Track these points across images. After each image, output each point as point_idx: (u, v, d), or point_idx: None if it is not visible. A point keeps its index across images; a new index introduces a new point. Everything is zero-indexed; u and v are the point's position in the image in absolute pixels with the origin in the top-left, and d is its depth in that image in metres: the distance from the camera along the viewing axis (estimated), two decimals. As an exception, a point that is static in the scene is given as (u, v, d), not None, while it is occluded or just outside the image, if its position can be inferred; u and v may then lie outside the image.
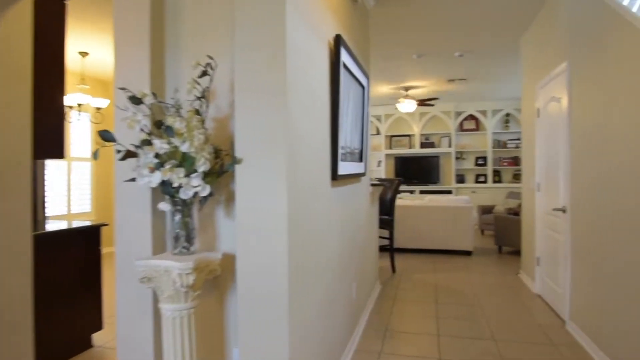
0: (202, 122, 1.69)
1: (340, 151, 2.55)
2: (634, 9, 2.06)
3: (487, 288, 4.66)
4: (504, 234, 6.60)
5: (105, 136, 1.69)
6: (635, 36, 2.35)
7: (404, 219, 6.74)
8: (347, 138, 2.85)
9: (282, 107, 1.70)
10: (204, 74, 1.70)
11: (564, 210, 3.57)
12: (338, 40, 2.45)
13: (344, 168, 2.71)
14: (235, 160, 1.73)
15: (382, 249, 5.56)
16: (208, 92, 1.74)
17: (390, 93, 8.47)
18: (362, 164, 3.47)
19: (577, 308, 3.31)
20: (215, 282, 1.90)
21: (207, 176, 1.66)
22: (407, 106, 8.06)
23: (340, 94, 2.48)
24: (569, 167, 3.46)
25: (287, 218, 1.70)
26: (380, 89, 8.11)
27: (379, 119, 10.47)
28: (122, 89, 1.67)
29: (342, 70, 2.50)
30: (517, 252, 6.56)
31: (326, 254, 2.39)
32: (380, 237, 5.54)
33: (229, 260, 1.84)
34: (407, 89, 8.06)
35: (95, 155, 1.93)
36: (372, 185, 4.40)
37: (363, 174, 3.52)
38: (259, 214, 1.71)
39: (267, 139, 1.71)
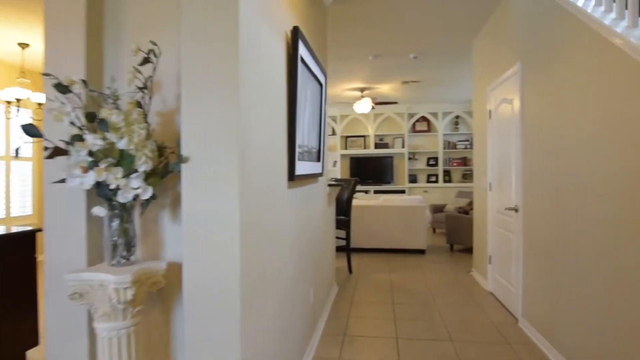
0: (144, 115, 1.51)
1: (297, 150, 2.42)
2: (589, 9, 2.09)
3: (441, 287, 4.71)
4: (455, 232, 6.75)
5: (29, 131, 1.46)
6: (587, 36, 2.40)
7: (360, 219, 6.72)
8: (305, 136, 2.73)
9: (234, 101, 1.55)
10: (146, 61, 1.52)
11: (516, 210, 3.65)
12: (296, 33, 2.32)
13: (302, 168, 2.59)
14: (182, 159, 1.56)
15: (339, 249, 5.49)
16: (151, 82, 1.56)
17: (346, 94, 8.45)
18: (320, 163, 3.37)
19: (529, 306, 3.38)
20: (160, 295, 1.71)
21: (149, 177, 1.47)
22: (363, 107, 8.06)
23: (297, 89, 2.36)
24: (521, 168, 3.54)
25: (240, 223, 1.55)
26: (337, 89, 8.06)
27: (334, 119, 10.44)
28: (47, 75, 1.45)
29: (299, 64, 2.37)
30: (468, 250, 6.73)
31: (282, 259, 2.25)
32: (337, 237, 5.48)
33: (175, 270, 1.66)
34: (362, 90, 8.07)
35: (16, 152, 1.69)
36: (329, 185, 4.31)
37: (320, 174, 3.41)
38: (208, 218, 1.55)
39: (218, 135, 1.55)
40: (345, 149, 10.44)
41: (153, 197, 1.47)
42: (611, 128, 2.19)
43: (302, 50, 2.42)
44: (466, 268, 5.59)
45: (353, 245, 6.70)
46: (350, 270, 5.43)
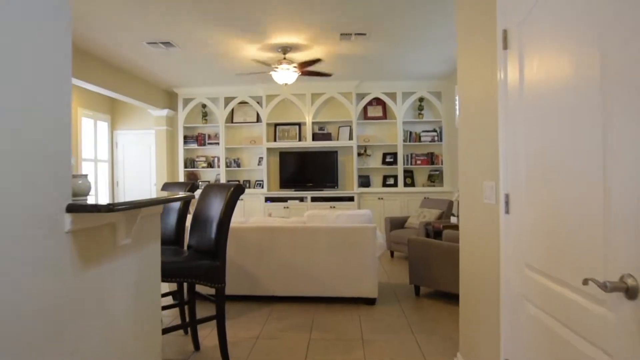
0: None
1: None
2: None
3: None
4: (423, 267, 4.25)
5: None
6: None
7: (270, 249, 4.11)
8: None
9: None
10: None
11: (627, 289, 1.11)
12: None
13: None
14: None
15: (204, 316, 2.87)
16: None
17: (264, 56, 5.80)
18: None
19: None
20: None
21: None
22: (285, 75, 5.46)
23: None
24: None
25: None
26: (244, 50, 5.41)
27: (259, 101, 7.77)
28: None
29: None
30: (443, 295, 4.22)
31: None
32: (205, 295, 2.84)
33: None
34: (284, 49, 5.44)
35: None
36: (119, 208, 1.63)
37: None
38: None
39: None
40: (274, 140, 7.79)
41: None
42: None
43: None
44: (446, 344, 3.08)
45: (259, 292, 4.10)
46: (222, 367, 2.78)
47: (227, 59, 5.92)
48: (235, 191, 2.85)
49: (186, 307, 3.27)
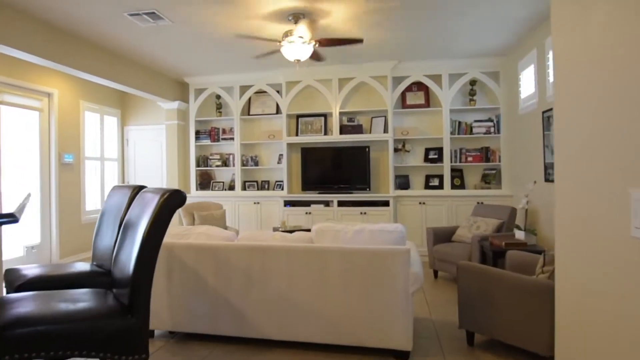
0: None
1: None
2: None
3: None
4: (479, 307, 2.97)
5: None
6: None
7: (262, 277, 3.01)
8: None
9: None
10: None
11: None
12: None
13: None
14: None
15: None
16: None
17: (272, 30, 4.70)
18: None
19: None
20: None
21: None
22: (298, 50, 4.33)
23: None
24: None
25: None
26: (246, 22, 4.34)
27: (278, 90, 6.70)
28: None
29: None
30: (509, 350, 2.91)
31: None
32: None
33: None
34: (295, 17, 4.31)
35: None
36: None
37: None
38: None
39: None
40: (296, 135, 6.69)
41: None
42: None
43: None
44: None
45: (246, 333, 3.04)
46: None
47: (231, 36, 4.88)
48: (169, 199, 1.76)
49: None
